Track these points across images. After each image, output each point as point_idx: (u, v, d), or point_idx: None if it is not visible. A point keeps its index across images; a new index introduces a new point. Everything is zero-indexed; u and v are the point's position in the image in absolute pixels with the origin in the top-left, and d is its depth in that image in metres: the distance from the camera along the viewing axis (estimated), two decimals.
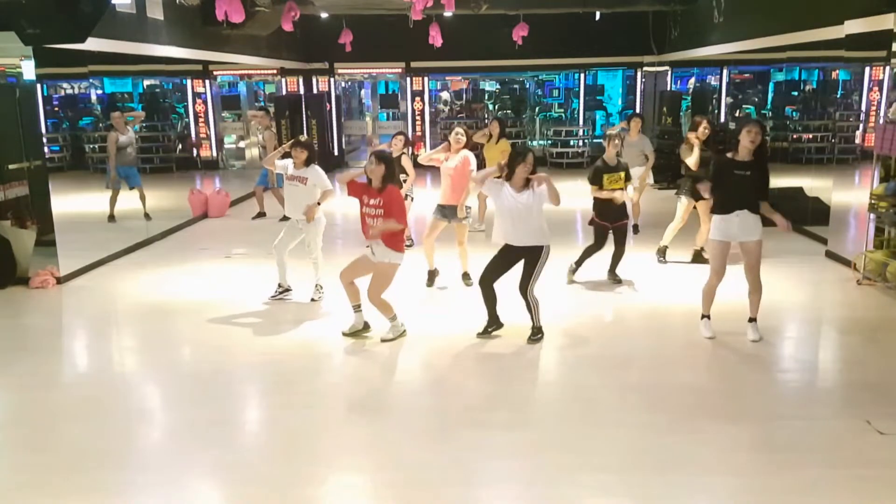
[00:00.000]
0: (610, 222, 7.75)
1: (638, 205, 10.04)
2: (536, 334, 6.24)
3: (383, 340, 6.31)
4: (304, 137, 7.64)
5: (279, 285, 7.53)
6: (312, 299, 7.45)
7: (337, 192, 8.10)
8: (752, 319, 6.23)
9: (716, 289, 6.19)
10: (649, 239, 9.59)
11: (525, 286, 6.12)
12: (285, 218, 8.24)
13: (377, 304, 6.26)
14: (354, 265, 6.34)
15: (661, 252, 8.73)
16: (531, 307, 6.18)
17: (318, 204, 7.22)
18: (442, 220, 7.74)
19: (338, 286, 6.48)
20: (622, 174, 7.67)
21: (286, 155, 7.39)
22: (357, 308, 6.39)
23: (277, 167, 7.46)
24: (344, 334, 6.39)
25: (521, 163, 5.96)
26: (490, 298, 6.27)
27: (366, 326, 6.45)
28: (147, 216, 10.73)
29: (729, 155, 5.99)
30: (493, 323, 6.33)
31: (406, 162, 9.23)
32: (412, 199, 9.45)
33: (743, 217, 5.94)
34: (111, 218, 10.44)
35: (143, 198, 10.72)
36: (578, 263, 7.88)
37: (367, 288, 6.22)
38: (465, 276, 7.90)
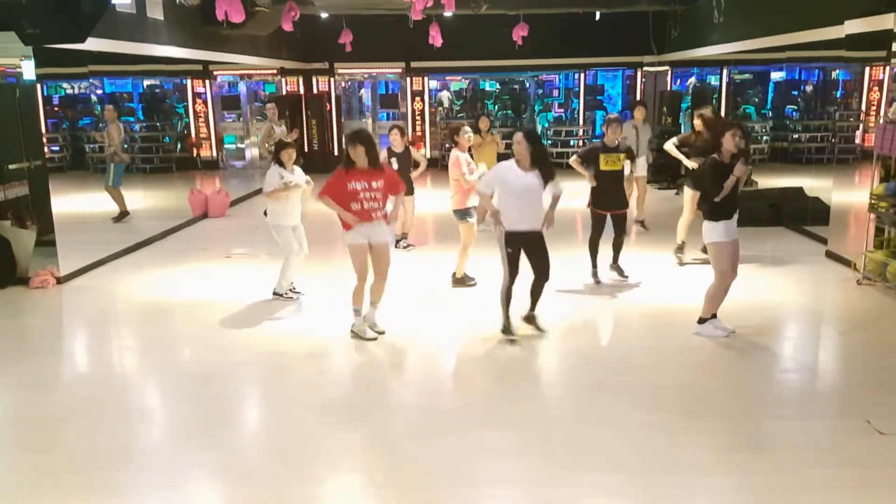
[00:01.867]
0: (607, 210, 7.69)
1: (643, 198, 10.02)
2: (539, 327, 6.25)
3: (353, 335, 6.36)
4: (289, 138, 7.62)
5: (293, 286, 7.51)
6: (299, 293, 7.49)
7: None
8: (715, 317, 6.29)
9: (729, 289, 6.21)
10: (651, 238, 9.60)
11: (542, 276, 6.12)
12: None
13: (387, 276, 6.34)
14: (364, 261, 6.24)
15: (680, 249, 8.58)
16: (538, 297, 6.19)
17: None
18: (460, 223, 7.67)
19: (343, 288, 6.45)
20: (622, 155, 7.61)
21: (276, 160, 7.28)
22: (358, 309, 6.36)
23: (278, 187, 7.14)
24: (373, 331, 6.35)
25: (516, 146, 6.02)
26: (510, 297, 6.21)
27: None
28: (119, 217, 10.53)
29: (715, 157, 6.05)
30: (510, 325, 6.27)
31: (416, 154, 9.20)
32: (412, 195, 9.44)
33: (735, 215, 6.07)
34: (125, 214, 10.38)
35: (116, 199, 10.48)
36: (594, 265, 7.77)
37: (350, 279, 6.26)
38: (457, 278, 7.78)
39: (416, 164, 9.37)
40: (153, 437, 4.86)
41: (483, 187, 6.23)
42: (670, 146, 8.63)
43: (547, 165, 6.06)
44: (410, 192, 9.32)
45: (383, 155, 8.94)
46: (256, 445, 4.77)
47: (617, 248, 7.84)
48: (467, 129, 7.76)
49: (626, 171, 7.66)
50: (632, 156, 7.94)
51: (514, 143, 6.02)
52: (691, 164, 8.40)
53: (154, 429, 4.99)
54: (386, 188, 6.15)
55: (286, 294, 7.43)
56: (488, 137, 10.11)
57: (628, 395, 5.38)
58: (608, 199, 7.66)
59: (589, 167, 7.68)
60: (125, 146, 10.55)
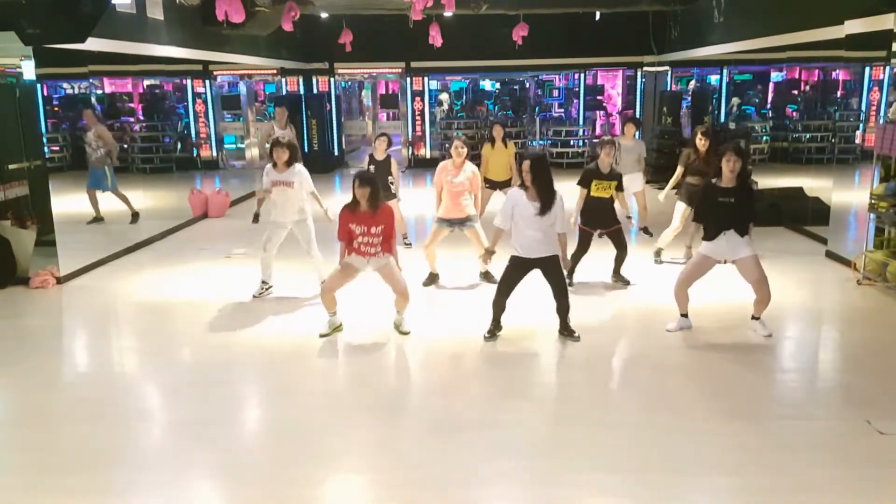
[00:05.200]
0: (596, 228, 7.67)
1: (645, 207, 10.00)
2: (573, 333, 6.27)
3: (399, 331, 6.43)
4: (284, 138, 7.60)
5: (263, 283, 7.60)
6: (262, 292, 7.60)
7: (327, 193, 8.02)
8: (757, 318, 6.29)
9: (686, 290, 6.30)
10: (649, 240, 9.58)
11: (561, 297, 6.14)
12: (256, 218, 8.26)
13: (407, 293, 6.41)
14: (341, 277, 6.31)
15: (658, 254, 8.76)
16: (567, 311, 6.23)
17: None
18: (445, 229, 7.69)
19: (345, 289, 6.46)
20: (613, 183, 7.55)
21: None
22: (334, 314, 6.44)
23: (264, 181, 7.34)
24: (322, 335, 6.38)
25: (523, 174, 5.96)
26: (500, 308, 6.24)
27: (340, 325, 6.55)
28: (133, 217, 10.48)
29: (714, 181, 6.11)
30: (497, 328, 6.31)
31: (393, 165, 9.24)
32: (399, 199, 9.47)
33: (730, 237, 6.06)
34: (97, 219, 10.17)
35: (122, 200, 10.37)
36: (570, 272, 7.74)
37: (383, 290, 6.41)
38: (486, 275, 7.87)
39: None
40: (153, 436, 4.87)
41: (499, 222, 6.10)
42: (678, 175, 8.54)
43: (546, 197, 5.91)
44: (391, 197, 9.38)
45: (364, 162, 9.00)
46: (257, 445, 4.77)
47: (620, 261, 7.84)
48: (458, 144, 7.55)
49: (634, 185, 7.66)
50: (620, 185, 7.68)
51: (522, 171, 5.96)
52: (662, 195, 8.63)
53: (154, 429, 4.99)
54: (388, 226, 6.19)
55: (262, 289, 7.59)
56: (501, 147, 9.86)
57: (628, 394, 5.39)
58: (596, 219, 7.64)
59: (583, 188, 7.67)
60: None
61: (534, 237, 5.96)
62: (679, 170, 8.48)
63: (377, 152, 9.25)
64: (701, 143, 8.21)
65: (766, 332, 6.23)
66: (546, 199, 5.90)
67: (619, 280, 7.87)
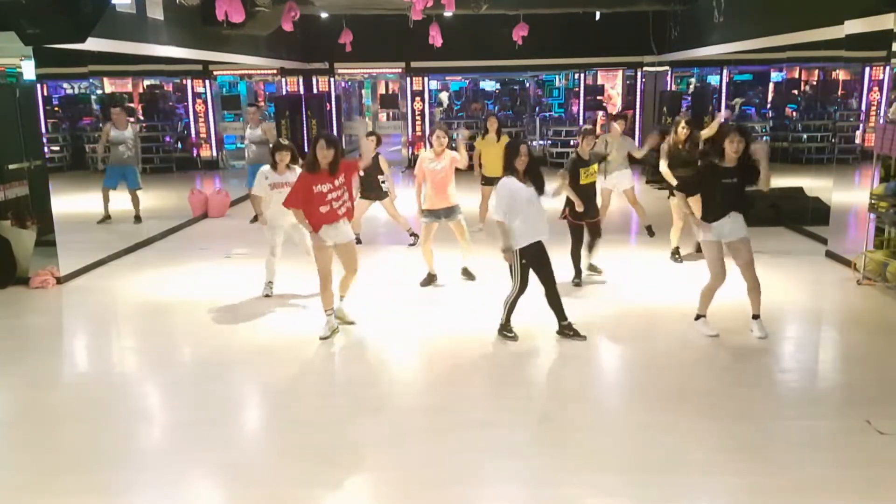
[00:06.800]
0: (583, 220, 7.68)
1: (639, 205, 10.00)
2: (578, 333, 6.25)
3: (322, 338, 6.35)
4: (283, 140, 7.58)
5: (269, 283, 7.62)
6: (268, 294, 7.65)
7: None
8: (756, 316, 6.27)
9: (716, 291, 6.23)
10: (651, 239, 9.58)
11: (550, 287, 6.15)
12: (255, 219, 8.25)
13: (357, 269, 6.46)
14: (327, 262, 6.26)
15: (675, 252, 8.74)
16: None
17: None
18: (434, 223, 7.68)
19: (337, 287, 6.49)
20: (595, 166, 7.63)
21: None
22: (330, 312, 6.39)
23: (262, 186, 7.32)
24: (323, 339, 6.32)
25: (517, 157, 5.95)
26: (514, 306, 6.20)
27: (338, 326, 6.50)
28: (137, 219, 10.58)
29: (716, 161, 6.06)
30: (510, 326, 6.26)
31: (382, 161, 9.23)
32: (394, 197, 9.47)
33: (733, 217, 6.04)
34: (106, 218, 10.29)
35: (135, 201, 10.54)
36: (577, 270, 7.79)
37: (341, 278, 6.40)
38: (465, 271, 7.94)
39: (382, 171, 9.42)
40: (153, 436, 4.87)
41: (500, 216, 5.96)
42: (664, 169, 8.52)
43: (541, 180, 6.03)
44: (384, 196, 9.42)
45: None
46: (257, 445, 4.78)
47: (591, 249, 7.91)
48: (438, 133, 7.62)
49: (601, 182, 7.67)
50: (601, 159, 7.74)
51: (521, 153, 5.94)
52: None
53: (154, 428, 4.99)
54: (347, 177, 6.20)
55: (264, 287, 7.61)
56: (494, 140, 9.86)
57: (628, 394, 5.39)
58: (585, 210, 7.62)
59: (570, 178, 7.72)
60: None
61: (539, 217, 5.99)
62: (664, 166, 8.42)
63: (366, 152, 9.23)
64: (683, 131, 8.23)
65: (761, 334, 6.20)
66: (540, 181, 6.01)
67: (593, 269, 7.95)
